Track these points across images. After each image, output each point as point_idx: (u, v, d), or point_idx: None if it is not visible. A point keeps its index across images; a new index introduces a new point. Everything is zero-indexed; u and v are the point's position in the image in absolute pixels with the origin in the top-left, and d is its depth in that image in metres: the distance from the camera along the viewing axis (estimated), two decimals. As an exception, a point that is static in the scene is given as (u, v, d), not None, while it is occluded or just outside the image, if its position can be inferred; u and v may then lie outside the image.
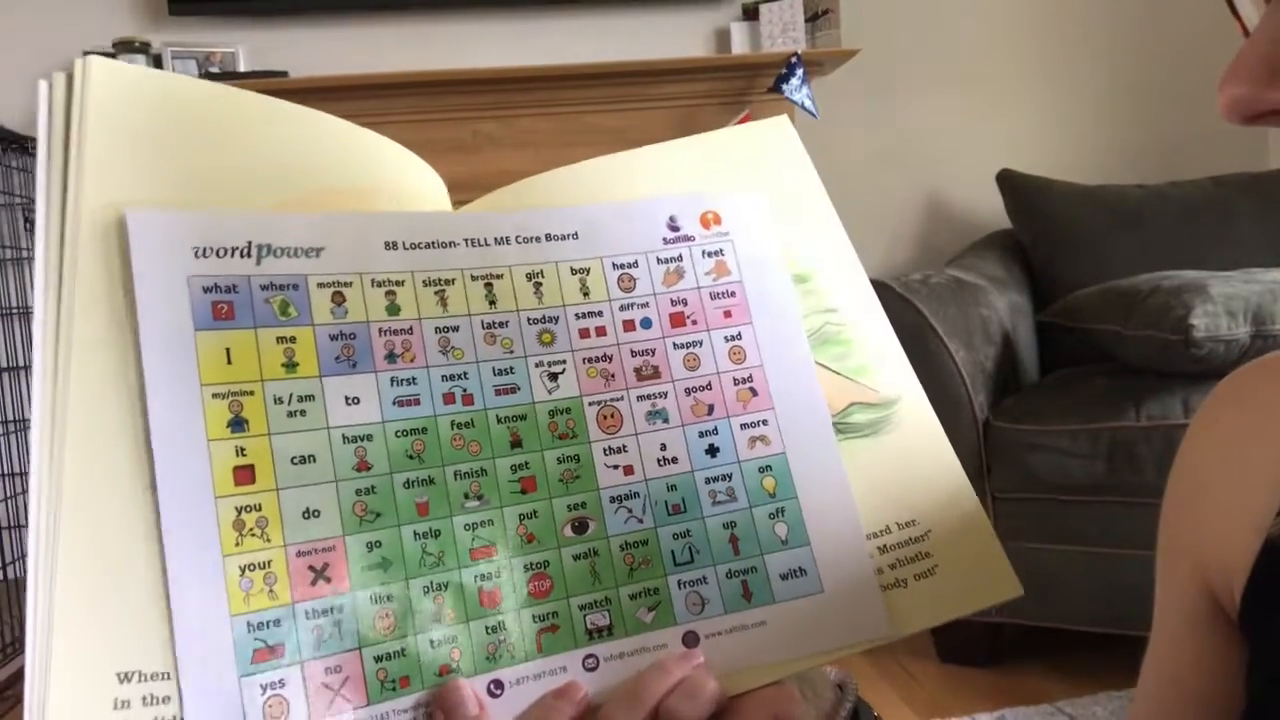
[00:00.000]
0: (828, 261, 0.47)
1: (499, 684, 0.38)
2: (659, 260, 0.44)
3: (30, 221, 2.25)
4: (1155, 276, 1.67)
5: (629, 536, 0.41)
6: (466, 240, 0.42)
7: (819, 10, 2.37)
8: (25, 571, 0.32)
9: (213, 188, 0.38)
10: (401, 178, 0.44)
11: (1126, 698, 0.71)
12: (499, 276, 0.42)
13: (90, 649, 0.32)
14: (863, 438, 0.44)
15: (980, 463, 1.65)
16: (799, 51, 2.25)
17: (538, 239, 0.43)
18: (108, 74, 0.37)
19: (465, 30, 2.40)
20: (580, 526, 0.40)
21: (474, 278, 0.41)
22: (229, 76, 2.22)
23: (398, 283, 0.40)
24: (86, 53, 2.30)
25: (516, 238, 0.43)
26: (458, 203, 0.46)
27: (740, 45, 2.40)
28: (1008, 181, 2.28)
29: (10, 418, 2.24)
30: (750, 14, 2.41)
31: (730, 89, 2.33)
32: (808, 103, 2.23)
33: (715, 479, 0.42)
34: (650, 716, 0.38)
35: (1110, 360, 1.72)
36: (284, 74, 2.23)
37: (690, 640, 0.41)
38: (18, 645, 2.00)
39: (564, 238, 0.43)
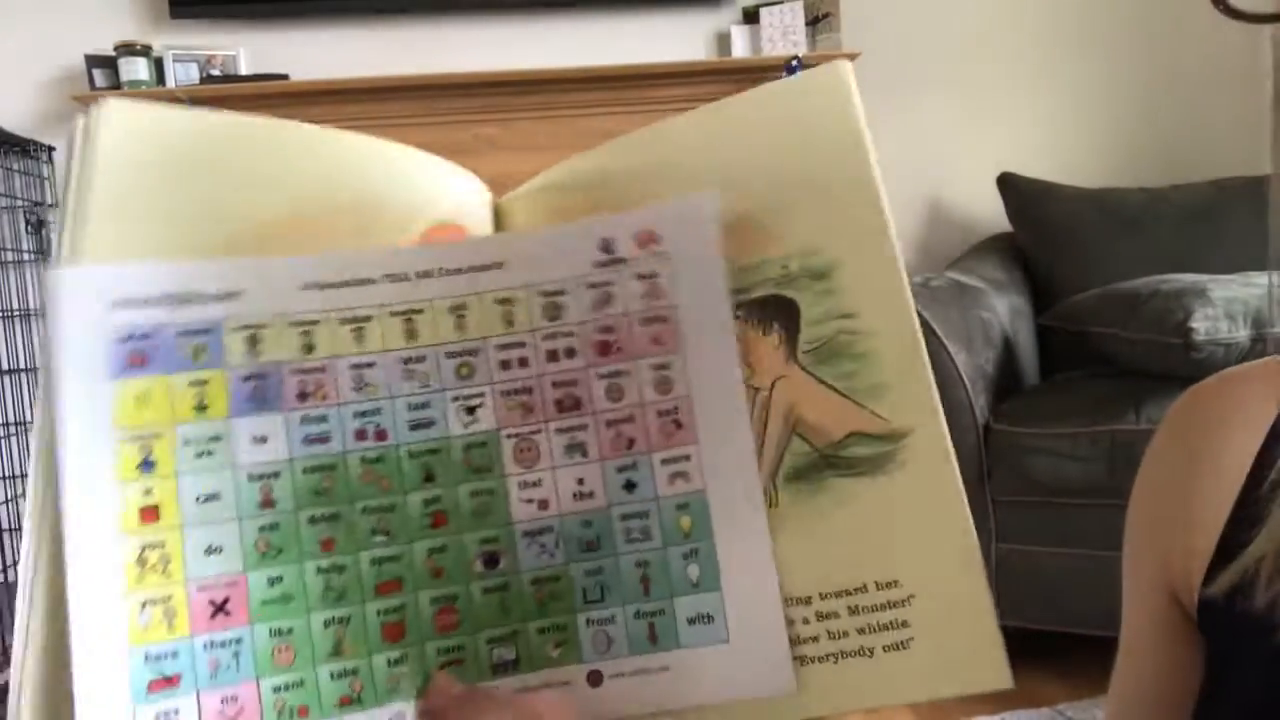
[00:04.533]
0: (857, 252, 0.41)
1: (400, 716, 0.38)
2: (588, 286, 0.42)
3: (30, 224, 2.25)
4: (1155, 280, 1.67)
5: (540, 572, 0.40)
6: (387, 276, 0.41)
7: (819, 14, 2.38)
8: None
9: (201, 221, 0.40)
10: (409, 190, 0.44)
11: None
12: (419, 311, 0.41)
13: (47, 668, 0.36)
14: (858, 476, 0.39)
15: (980, 466, 1.65)
16: (799, 55, 2.25)
17: (460, 270, 0.42)
18: (118, 116, 0.39)
19: (466, 34, 2.40)
20: (491, 561, 0.40)
21: (393, 314, 0.41)
22: (230, 80, 2.22)
23: (313, 322, 0.40)
24: (88, 56, 2.30)
25: (440, 270, 0.41)
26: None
27: (741, 49, 2.40)
28: (1008, 184, 2.28)
29: (11, 419, 2.23)
30: (751, 17, 2.41)
31: (731, 92, 2.32)
32: (808, 106, 2.23)
33: (631, 515, 0.41)
34: None
35: (1110, 363, 1.72)
36: (285, 77, 2.23)
37: (594, 679, 0.40)
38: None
39: (489, 267, 0.42)
